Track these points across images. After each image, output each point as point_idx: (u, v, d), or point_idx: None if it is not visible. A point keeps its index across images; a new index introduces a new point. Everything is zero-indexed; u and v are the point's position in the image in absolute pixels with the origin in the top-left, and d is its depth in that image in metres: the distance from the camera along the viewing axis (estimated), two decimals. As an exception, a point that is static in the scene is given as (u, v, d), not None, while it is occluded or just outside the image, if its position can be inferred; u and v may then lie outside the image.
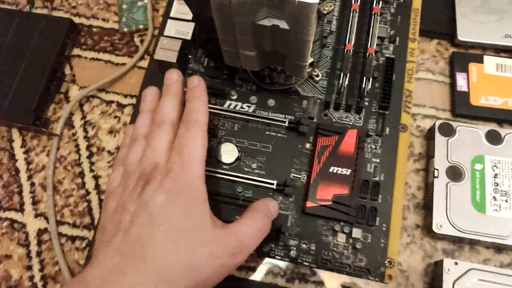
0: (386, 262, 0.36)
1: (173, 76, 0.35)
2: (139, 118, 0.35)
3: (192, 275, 0.28)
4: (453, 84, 0.44)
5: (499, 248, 0.39)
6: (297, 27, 0.30)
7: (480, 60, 0.44)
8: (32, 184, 0.44)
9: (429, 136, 0.42)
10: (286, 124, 0.39)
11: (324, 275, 0.39)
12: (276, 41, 0.33)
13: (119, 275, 0.27)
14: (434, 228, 0.38)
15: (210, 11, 0.31)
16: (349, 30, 0.41)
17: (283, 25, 0.31)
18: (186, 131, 0.31)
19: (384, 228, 0.37)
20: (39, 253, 0.42)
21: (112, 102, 0.46)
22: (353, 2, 0.42)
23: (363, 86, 0.39)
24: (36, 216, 0.43)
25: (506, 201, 0.38)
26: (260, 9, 0.30)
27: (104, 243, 0.30)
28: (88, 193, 0.43)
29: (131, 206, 0.30)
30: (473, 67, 0.44)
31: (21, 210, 0.43)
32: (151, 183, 0.30)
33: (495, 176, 0.39)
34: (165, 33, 0.41)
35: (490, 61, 0.44)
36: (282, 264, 0.40)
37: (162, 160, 0.31)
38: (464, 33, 0.45)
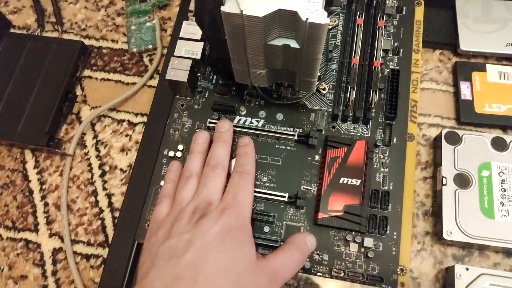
0: (398, 269, 0.37)
1: (226, 126, 0.40)
2: (191, 158, 0.39)
3: None
4: (457, 93, 0.45)
5: (508, 252, 0.40)
6: (308, 46, 0.31)
7: (483, 69, 0.45)
8: (46, 204, 0.45)
9: (435, 145, 0.43)
10: (295, 137, 0.40)
11: (337, 285, 0.39)
12: (286, 59, 0.34)
13: None
14: (444, 235, 0.38)
15: (223, 33, 0.32)
16: (354, 44, 0.42)
17: (294, 44, 0.31)
18: (240, 179, 0.36)
19: (395, 236, 0.38)
20: (54, 273, 0.42)
21: (123, 121, 0.47)
22: (357, 17, 0.43)
23: (371, 98, 0.40)
24: (51, 235, 0.43)
25: (514, 206, 0.39)
26: (272, 30, 0.31)
27: (157, 267, 0.31)
28: (101, 211, 0.44)
29: (186, 234, 0.32)
30: (476, 75, 0.45)
31: (36, 230, 0.44)
32: (208, 216, 0.33)
33: (502, 182, 0.39)
34: (175, 53, 0.41)
35: (492, 69, 0.45)
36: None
37: (216, 199, 0.35)
38: (466, 43, 0.45)
